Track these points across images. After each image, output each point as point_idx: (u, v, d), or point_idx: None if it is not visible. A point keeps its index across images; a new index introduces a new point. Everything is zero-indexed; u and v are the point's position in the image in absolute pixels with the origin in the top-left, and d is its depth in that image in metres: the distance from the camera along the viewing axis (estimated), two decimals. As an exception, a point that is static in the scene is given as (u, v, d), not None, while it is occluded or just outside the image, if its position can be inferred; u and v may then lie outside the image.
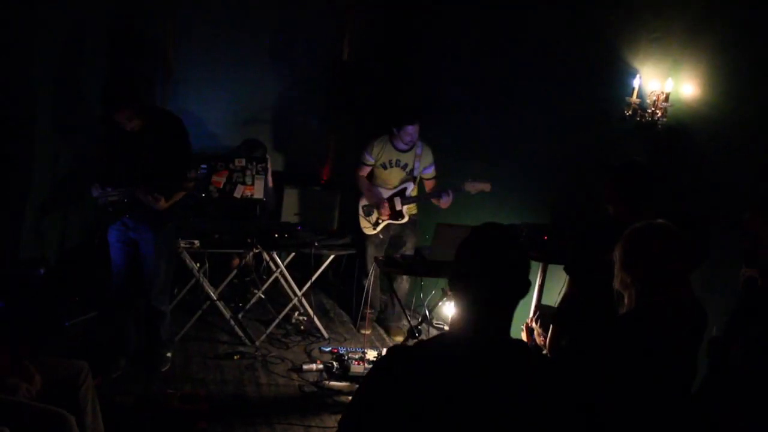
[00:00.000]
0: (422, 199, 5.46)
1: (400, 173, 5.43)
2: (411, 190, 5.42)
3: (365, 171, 5.50)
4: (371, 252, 5.50)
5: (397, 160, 5.41)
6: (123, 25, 5.70)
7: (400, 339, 5.46)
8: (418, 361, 1.67)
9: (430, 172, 5.47)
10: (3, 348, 3.00)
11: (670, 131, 4.02)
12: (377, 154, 5.44)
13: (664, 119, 4.01)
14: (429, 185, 5.51)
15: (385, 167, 5.44)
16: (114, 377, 4.28)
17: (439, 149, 5.53)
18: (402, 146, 5.36)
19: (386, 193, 5.45)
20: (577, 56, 4.76)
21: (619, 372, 2.16)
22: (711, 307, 2.52)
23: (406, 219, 5.44)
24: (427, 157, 5.43)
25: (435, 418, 1.60)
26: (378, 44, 6.78)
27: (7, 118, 4.81)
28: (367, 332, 5.55)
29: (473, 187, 5.12)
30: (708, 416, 2.54)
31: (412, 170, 5.40)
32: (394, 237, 5.58)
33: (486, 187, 5.10)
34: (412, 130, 5.25)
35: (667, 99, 3.97)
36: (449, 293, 3.85)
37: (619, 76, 4.30)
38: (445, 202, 5.24)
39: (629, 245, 2.25)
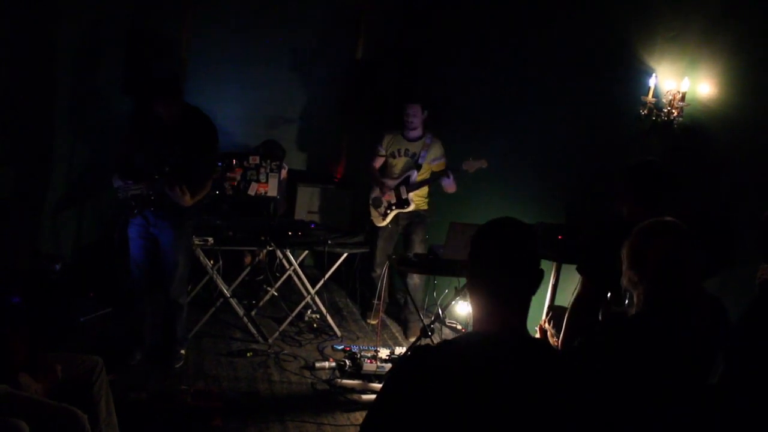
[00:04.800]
0: (425, 184, 5.45)
1: (406, 161, 5.48)
2: (415, 177, 5.43)
3: (377, 162, 5.58)
4: (381, 245, 5.57)
5: (406, 150, 5.47)
6: (140, 24, 5.73)
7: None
8: (443, 360, 1.66)
9: (439, 163, 5.46)
10: (20, 343, 3.03)
11: (686, 131, 3.99)
12: (387, 145, 5.51)
13: (680, 119, 3.98)
14: None
15: (393, 156, 5.51)
16: (132, 364, 4.34)
17: (451, 147, 5.52)
18: (411, 134, 5.42)
19: (393, 183, 5.49)
20: (593, 55, 4.73)
21: (626, 374, 2.13)
22: (728, 307, 2.50)
23: (412, 207, 5.45)
24: (436, 149, 5.45)
25: (461, 417, 1.59)
26: (392, 43, 6.77)
27: (26, 115, 4.87)
28: (374, 322, 5.57)
29: (470, 166, 5.14)
30: (724, 415, 2.52)
31: (417, 159, 5.43)
32: (404, 234, 5.61)
33: (483, 163, 5.12)
34: (410, 111, 5.32)
35: (683, 98, 3.93)
36: (464, 293, 3.84)
37: (635, 75, 4.27)
38: (447, 185, 5.29)
39: (637, 243, 2.22)
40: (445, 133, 5.58)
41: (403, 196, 5.44)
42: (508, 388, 1.62)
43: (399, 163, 5.50)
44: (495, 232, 1.76)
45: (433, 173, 5.44)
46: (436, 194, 5.58)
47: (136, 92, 5.37)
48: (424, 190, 5.52)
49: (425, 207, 5.59)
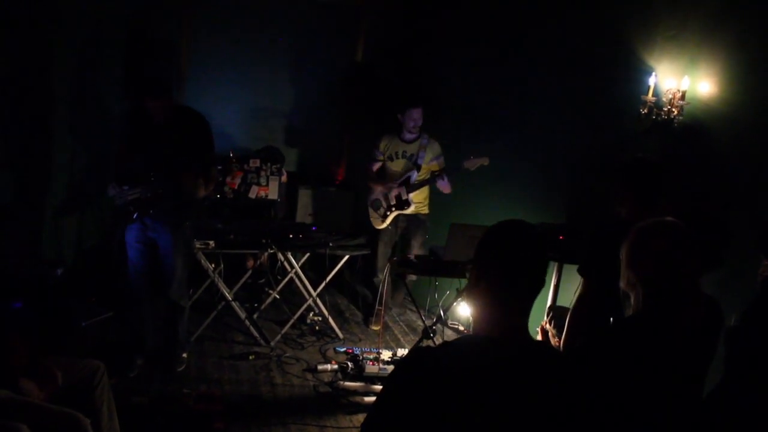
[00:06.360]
0: (424, 184, 5.47)
1: (405, 163, 5.50)
2: (415, 178, 5.45)
3: (375, 166, 5.61)
4: (382, 249, 5.58)
5: (404, 152, 5.49)
6: (139, 27, 5.74)
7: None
8: (444, 362, 1.64)
9: (438, 162, 5.50)
10: (21, 348, 3.03)
11: (687, 130, 3.98)
12: (385, 148, 5.53)
13: (681, 118, 3.97)
14: None
15: (392, 159, 5.53)
16: (131, 376, 4.32)
17: (451, 147, 5.53)
18: (408, 136, 5.44)
19: (394, 184, 5.50)
20: (593, 54, 4.72)
21: (625, 375, 2.12)
22: (728, 306, 2.49)
23: (412, 207, 5.48)
24: (434, 149, 5.49)
25: (461, 418, 1.58)
26: (392, 45, 6.77)
27: (25, 119, 4.87)
28: (377, 328, 5.57)
29: (472, 163, 5.14)
30: (728, 412, 2.51)
31: (416, 160, 5.45)
32: (403, 236, 5.61)
33: (484, 160, 5.12)
34: (416, 114, 5.34)
35: (683, 97, 3.92)
36: (464, 295, 3.83)
37: (635, 74, 4.26)
38: (443, 186, 5.32)
39: (635, 243, 2.20)
40: (444, 132, 5.58)
41: (404, 197, 5.46)
42: (510, 390, 1.61)
43: (398, 165, 5.51)
44: (506, 235, 1.73)
45: (431, 174, 5.45)
46: (436, 194, 5.58)
47: (133, 95, 5.38)
48: (424, 192, 5.54)
49: (426, 210, 5.60)
